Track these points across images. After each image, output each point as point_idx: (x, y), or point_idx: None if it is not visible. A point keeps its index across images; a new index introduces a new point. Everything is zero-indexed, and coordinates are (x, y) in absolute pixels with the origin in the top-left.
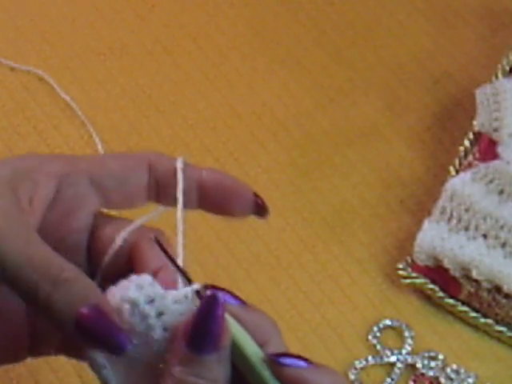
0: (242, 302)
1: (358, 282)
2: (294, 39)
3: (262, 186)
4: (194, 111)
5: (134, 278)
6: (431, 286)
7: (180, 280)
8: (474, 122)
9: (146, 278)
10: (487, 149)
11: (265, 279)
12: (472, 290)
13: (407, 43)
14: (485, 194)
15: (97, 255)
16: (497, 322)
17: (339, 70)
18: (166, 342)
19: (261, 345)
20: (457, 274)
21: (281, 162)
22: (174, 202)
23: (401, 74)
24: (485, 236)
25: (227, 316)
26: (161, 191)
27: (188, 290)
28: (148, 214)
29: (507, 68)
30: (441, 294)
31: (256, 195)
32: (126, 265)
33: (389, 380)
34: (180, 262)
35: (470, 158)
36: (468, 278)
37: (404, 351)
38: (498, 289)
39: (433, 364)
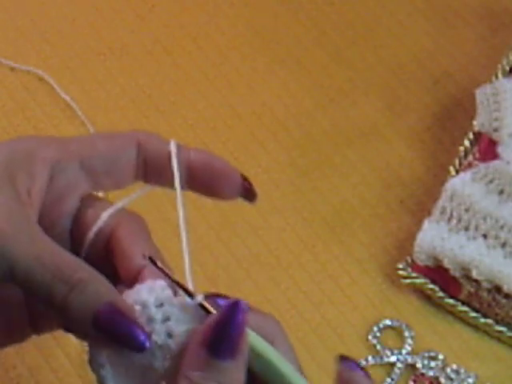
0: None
1: (358, 282)
2: (294, 39)
3: (262, 186)
4: (194, 111)
5: (148, 281)
6: (431, 286)
7: (181, 291)
8: (474, 122)
9: (159, 283)
10: (487, 149)
11: (265, 279)
12: (472, 289)
13: (407, 43)
14: (485, 194)
15: (79, 237)
16: (497, 322)
17: (339, 70)
18: (169, 349)
19: None
20: (457, 274)
21: (281, 162)
22: (161, 182)
23: (401, 74)
24: (485, 236)
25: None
26: (149, 171)
27: (193, 302)
28: (133, 194)
29: (507, 68)
30: (441, 294)
31: (244, 178)
32: (105, 248)
33: (389, 380)
34: (185, 246)
35: (470, 157)
36: (468, 278)
37: (404, 351)
38: (498, 289)
39: (433, 364)
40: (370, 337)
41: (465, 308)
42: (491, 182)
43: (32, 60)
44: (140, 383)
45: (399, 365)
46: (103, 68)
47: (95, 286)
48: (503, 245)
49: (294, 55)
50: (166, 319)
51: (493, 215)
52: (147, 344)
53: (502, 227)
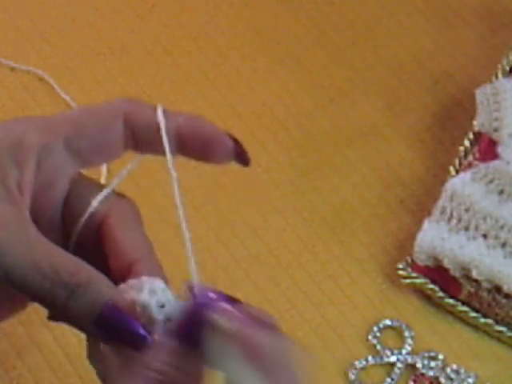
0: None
1: (358, 282)
2: (294, 39)
3: (262, 186)
4: (194, 111)
5: (145, 280)
6: (431, 286)
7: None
8: (474, 122)
9: (159, 284)
10: (487, 149)
11: (265, 279)
12: (472, 289)
13: (407, 43)
14: (485, 194)
15: (71, 222)
16: (497, 322)
17: (339, 70)
18: None
19: None
20: (457, 274)
21: (281, 162)
22: (152, 150)
23: (401, 74)
24: (485, 236)
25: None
26: (138, 141)
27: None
28: (122, 171)
29: (507, 68)
30: (441, 293)
31: (236, 142)
32: (96, 234)
33: (389, 380)
34: (181, 214)
35: (470, 157)
36: (468, 278)
37: (404, 351)
38: (498, 289)
39: (433, 364)
40: (370, 337)
41: (465, 308)
42: (491, 182)
43: (32, 60)
44: None
45: (399, 365)
46: (103, 68)
47: (94, 287)
48: (503, 245)
49: (293, 55)
50: (167, 320)
51: (493, 215)
52: (148, 342)
53: (502, 227)
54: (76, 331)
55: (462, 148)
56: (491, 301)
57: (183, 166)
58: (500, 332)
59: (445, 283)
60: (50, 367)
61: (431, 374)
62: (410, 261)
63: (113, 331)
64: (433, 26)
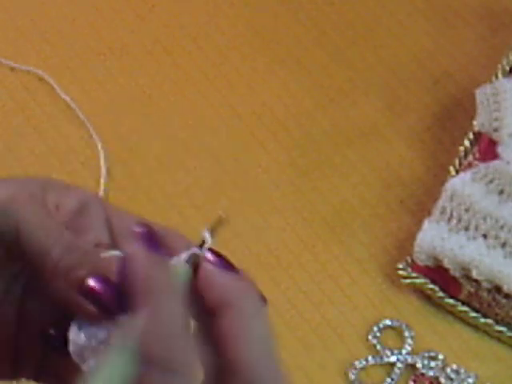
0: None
1: (358, 282)
2: (294, 39)
3: (262, 186)
4: (194, 111)
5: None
6: (431, 286)
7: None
8: (474, 122)
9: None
10: (487, 149)
11: (265, 279)
12: (472, 289)
13: (407, 43)
14: (485, 194)
15: None
16: (497, 322)
17: (339, 70)
18: None
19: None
20: (457, 274)
21: (281, 162)
22: None
23: (401, 74)
24: (485, 236)
25: None
26: None
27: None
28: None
29: (507, 68)
30: (441, 294)
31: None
32: None
33: (389, 380)
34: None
35: (470, 157)
36: (468, 278)
37: (404, 351)
38: (498, 289)
39: (433, 364)
40: (370, 337)
41: (465, 308)
42: (491, 182)
43: (32, 60)
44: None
45: (399, 365)
46: (103, 68)
47: (93, 257)
48: (503, 245)
49: (293, 55)
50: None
51: (493, 215)
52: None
53: (502, 227)
54: None
55: (462, 148)
56: (491, 301)
57: (183, 166)
58: (500, 332)
59: (445, 283)
60: None
61: (431, 373)
62: (410, 261)
63: (95, 297)
64: (433, 26)
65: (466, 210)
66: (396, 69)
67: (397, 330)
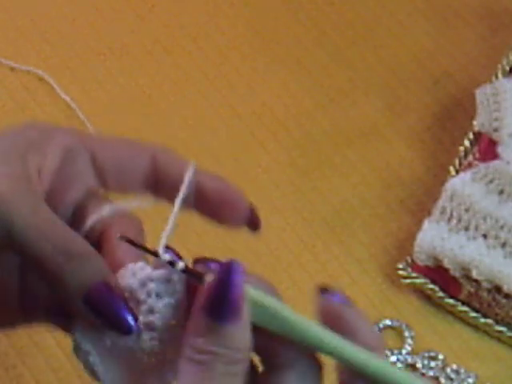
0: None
1: (358, 282)
2: (294, 39)
3: (262, 186)
4: (193, 111)
5: (130, 266)
6: (431, 286)
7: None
8: (474, 122)
9: (139, 264)
10: (487, 149)
11: None
12: (472, 289)
13: (407, 43)
14: (485, 194)
15: (75, 227)
16: (497, 322)
17: (339, 70)
18: (153, 327)
19: None
20: (457, 274)
21: (281, 162)
22: (169, 198)
23: (401, 74)
24: (485, 236)
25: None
26: (158, 186)
27: (169, 272)
28: (136, 201)
29: (507, 68)
30: (441, 294)
31: (252, 209)
32: (96, 244)
33: None
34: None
35: (470, 157)
36: (468, 278)
37: (404, 351)
38: (498, 289)
39: (433, 364)
40: None
41: (465, 308)
42: (491, 182)
43: (32, 60)
44: (128, 365)
45: (399, 365)
46: (103, 68)
47: (93, 262)
48: (503, 245)
49: (293, 55)
50: (148, 297)
51: (493, 215)
52: (135, 327)
53: (502, 227)
54: None
55: (462, 148)
56: (491, 301)
57: None
58: (500, 332)
59: (445, 283)
60: (51, 367)
61: (431, 373)
62: (409, 261)
63: (100, 309)
64: (433, 26)
65: (466, 210)
66: (396, 69)
67: (397, 330)
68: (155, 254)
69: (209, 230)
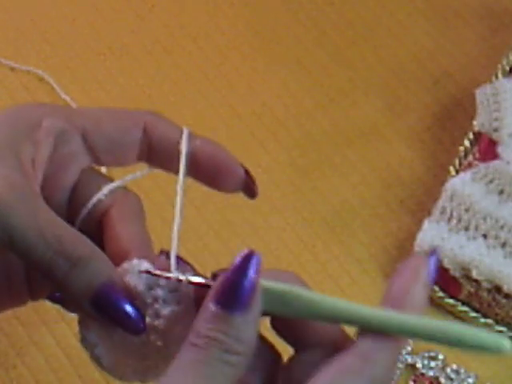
0: None
1: (357, 282)
2: (294, 39)
3: (262, 186)
4: (193, 111)
5: (136, 263)
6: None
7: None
8: (474, 122)
9: (144, 264)
10: (487, 149)
11: None
12: (472, 289)
13: (407, 43)
14: (485, 194)
15: (75, 210)
16: (497, 322)
17: (339, 70)
18: (158, 330)
19: None
20: (457, 274)
21: (281, 162)
22: (164, 166)
23: (401, 74)
24: (485, 236)
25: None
26: (153, 154)
27: (176, 283)
28: (132, 174)
29: (507, 68)
30: (441, 293)
31: (247, 173)
32: (98, 225)
33: None
34: (174, 241)
35: (470, 157)
36: (468, 278)
37: (404, 351)
38: (498, 289)
39: (433, 364)
40: None
41: (465, 308)
42: (491, 181)
43: (32, 60)
44: (133, 359)
45: (399, 365)
46: (103, 68)
47: (96, 264)
48: (503, 245)
49: (294, 55)
50: (155, 301)
51: (493, 215)
52: (142, 326)
53: (502, 227)
54: (76, 331)
55: (462, 148)
56: (491, 301)
57: None
58: (500, 332)
59: (445, 283)
60: (51, 367)
61: (431, 373)
62: None
63: (108, 311)
64: (433, 26)
65: (466, 210)
66: (396, 69)
67: None
68: (168, 277)
69: (209, 231)
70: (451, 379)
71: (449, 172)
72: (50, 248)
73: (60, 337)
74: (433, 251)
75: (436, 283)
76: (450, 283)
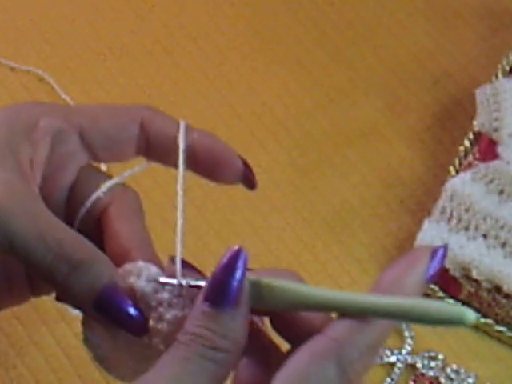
0: None
1: (358, 282)
2: (294, 39)
3: (262, 185)
4: (193, 111)
5: (142, 266)
6: (431, 285)
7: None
8: (474, 122)
9: (154, 270)
10: (487, 149)
11: None
12: (472, 289)
13: (407, 43)
14: (485, 194)
15: (74, 208)
16: (497, 322)
17: (339, 70)
18: (162, 333)
19: None
20: (457, 274)
21: (281, 162)
22: (163, 160)
23: (401, 74)
24: (485, 236)
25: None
26: (151, 149)
27: (180, 288)
28: (130, 170)
29: (507, 68)
30: (441, 294)
31: (245, 165)
32: (97, 223)
33: (389, 380)
34: (179, 239)
35: (470, 157)
36: (468, 277)
37: (404, 351)
38: (498, 289)
39: (433, 364)
40: None
41: None
42: (491, 181)
43: (32, 60)
44: (136, 360)
45: (399, 365)
46: (103, 68)
47: (97, 266)
48: (503, 245)
49: (293, 55)
50: (159, 305)
51: (493, 215)
52: (144, 328)
53: (502, 227)
54: (76, 331)
55: (462, 148)
56: (491, 301)
57: None
58: (500, 332)
59: (445, 283)
60: (51, 367)
61: (431, 373)
62: None
63: (111, 313)
64: (433, 26)
65: (466, 210)
66: (396, 69)
67: (397, 330)
68: (173, 284)
69: (209, 231)
70: (451, 379)
71: (449, 172)
72: (51, 251)
73: (60, 337)
74: (440, 247)
75: (436, 283)
76: (450, 283)
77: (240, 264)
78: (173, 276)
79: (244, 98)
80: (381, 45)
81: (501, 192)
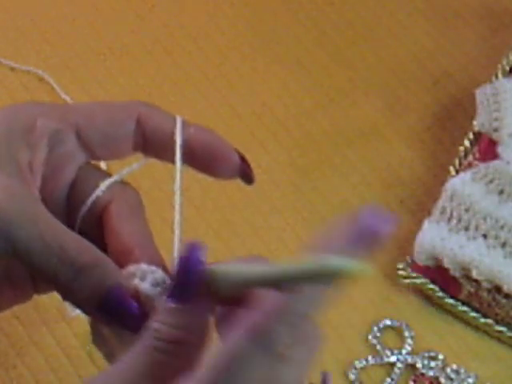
0: None
1: (357, 282)
2: (294, 39)
3: (262, 186)
4: (193, 111)
5: (147, 268)
6: (431, 286)
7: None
8: (474, 122)
9: (161, 275)
10: (487, 149)
11: None
12: (472, 289)
13: (407, 43)
14: (485, 194)
15: (74, 208)
16: (497, 322)
17: (339, 70)
18: None
19: None
20: (457, 274)
21: (281, 162)
22: (160, 156)
23: (401, 74)
24: (485, 236)
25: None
26: (148, 145)
27: None
28: (128, 167)
29: (507, 68)
30: (441, 294)
31: (243, 160)
32: (98, 222)
33: (389, 380)
34: (177, 237)
35: (470, 157)
36: (468, 278)
37: (404, 351)
38: (498, 289)
39: (433, 364)
40: (370, 337)
41: (465, 308)
42: (491, 181)
43: (32, 60)
44: None
45: (399, 365)
46: (103, 68)
47: (101, 269)
48: (503, 245)
49: (293, 55)
50: None
51: (493, 215)
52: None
53: (502, 227)
54: (76, 331)
55: (462, 148)
56: (491, 301)
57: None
58: (500, 332)
59: (445, 283)
60: (51, 367)
61: (431, 373)
62: (409, 261)
63: (116, 316)
64: (433, 26)
65: (466, 210)
66: (396, 69)
67: (397, 330)
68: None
69: (209, 231)
70: (451, 379)
71: (449, 172)
72: (54, 255)
73: (60, 337)
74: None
75: (436, 283)
76: (450, 283)
77: (193, 258)
78: None
79: (244, 98)
80: (381, 45)
81: (501, 192)
